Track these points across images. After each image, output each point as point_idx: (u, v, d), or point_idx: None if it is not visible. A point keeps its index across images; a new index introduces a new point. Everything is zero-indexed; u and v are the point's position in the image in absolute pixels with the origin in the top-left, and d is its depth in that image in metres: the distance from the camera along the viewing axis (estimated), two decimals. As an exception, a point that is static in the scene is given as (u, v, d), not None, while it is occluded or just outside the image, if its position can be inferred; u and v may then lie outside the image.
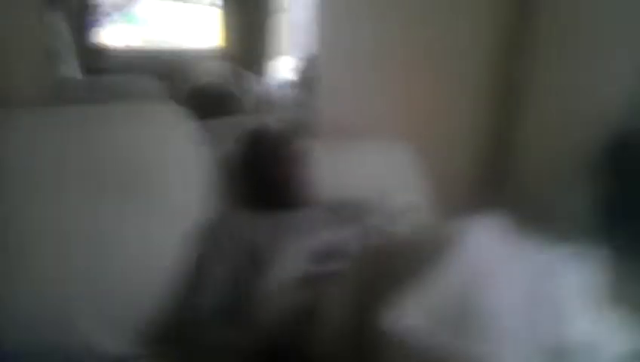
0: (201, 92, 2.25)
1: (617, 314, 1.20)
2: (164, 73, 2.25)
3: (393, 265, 1.19)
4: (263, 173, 1.72)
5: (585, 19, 2.00)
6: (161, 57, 2.46)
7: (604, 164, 1.89)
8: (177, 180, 1.67)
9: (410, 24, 2.14)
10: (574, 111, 2.02)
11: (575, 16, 2.04)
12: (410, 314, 1.07)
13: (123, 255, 1.55)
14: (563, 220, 1.78)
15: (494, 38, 2.23)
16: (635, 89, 1.90)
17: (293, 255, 1.52)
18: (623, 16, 1.91)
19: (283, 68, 2.65)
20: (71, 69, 2.16)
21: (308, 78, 2.37)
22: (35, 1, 1.81)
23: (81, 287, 1.48)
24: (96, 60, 2.28)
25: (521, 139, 2.25)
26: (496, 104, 2.29)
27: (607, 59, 1.94)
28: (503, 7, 2.21)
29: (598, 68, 1.97)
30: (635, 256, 1.61)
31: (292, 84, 2.49)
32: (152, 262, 1.57)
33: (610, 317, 1.19)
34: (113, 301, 1.51)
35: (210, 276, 1.54)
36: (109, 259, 1.53)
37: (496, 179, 2.25)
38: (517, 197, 2.06)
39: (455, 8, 2.15)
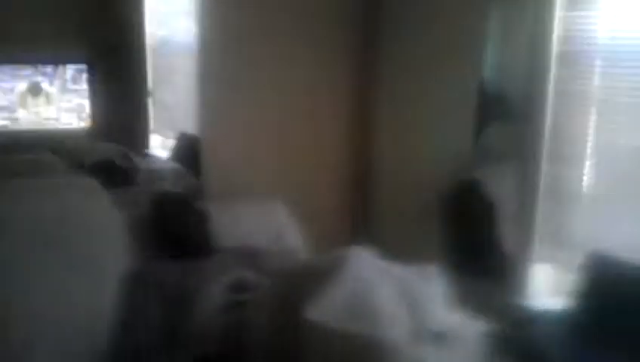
0: (100, 167, 2.54)
1: (463, 311, 1.74)
2: (57, 151, 2.52)
3: (303, 279, 1.64)
4: (171, 228, 2.08)
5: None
6: (43, 137, 2.69)
7: (443, 205, 2.50)
8: (101, 239, 1.96)
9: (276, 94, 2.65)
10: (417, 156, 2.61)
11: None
12: (324, 310, 1.52)
13: (67, 299, 1.81)
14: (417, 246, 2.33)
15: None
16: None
17: (211, 289, 1.89)
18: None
19: (154, 144, 2.99)
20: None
21: (185, 152, 2.77)
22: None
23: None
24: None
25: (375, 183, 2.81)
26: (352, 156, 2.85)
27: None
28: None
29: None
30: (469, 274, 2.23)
31: (171, 157, 2.86)
32: (80, 311, 1.83)
33: (459, 312, 1.72)
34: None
35: (143, 312, 1.86)
36: (58, 303, 1.79)
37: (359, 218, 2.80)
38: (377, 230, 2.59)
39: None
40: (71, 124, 2.82)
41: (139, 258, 2.03)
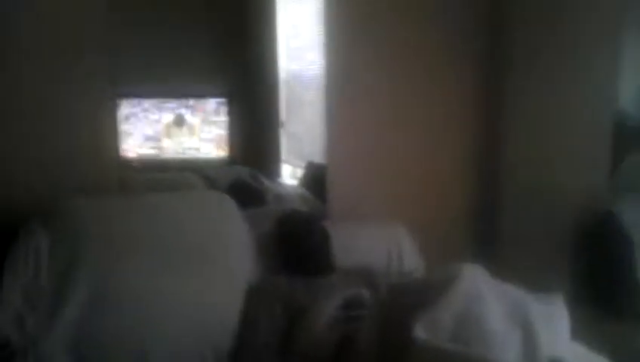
0: (235, 187, 2.73)
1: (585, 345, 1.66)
2: (196, 172, 2.74)
3: (413, 295, 1.64)
4: (293, 247, 2.17)
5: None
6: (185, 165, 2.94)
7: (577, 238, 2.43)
8: (234, 251, 2.12)
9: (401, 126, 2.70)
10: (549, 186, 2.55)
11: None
12: (433, 328, 1.51)
13: (194, 308, 1.96)
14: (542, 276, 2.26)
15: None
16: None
17: (328, 304, 1.95)
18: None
19: (285, 173, 3.14)
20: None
21: (312, 180, 2.89)
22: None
23: (156, 337, 1.88)
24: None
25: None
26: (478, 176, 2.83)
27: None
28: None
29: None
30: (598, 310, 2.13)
31: (299, 185, 3.00)
32: (215, 312, 1.98)
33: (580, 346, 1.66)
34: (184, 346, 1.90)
35: (260, 322, 1.96)
36: (183, 312, 1.94)
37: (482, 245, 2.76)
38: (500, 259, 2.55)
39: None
40: (210, 153, 3.02)
41: (264, 272, 2.16)
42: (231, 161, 3.02)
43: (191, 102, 2.99)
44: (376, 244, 2.38)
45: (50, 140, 2.22)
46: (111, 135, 2.33)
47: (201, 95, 2.98)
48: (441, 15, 2.66)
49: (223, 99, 3.01)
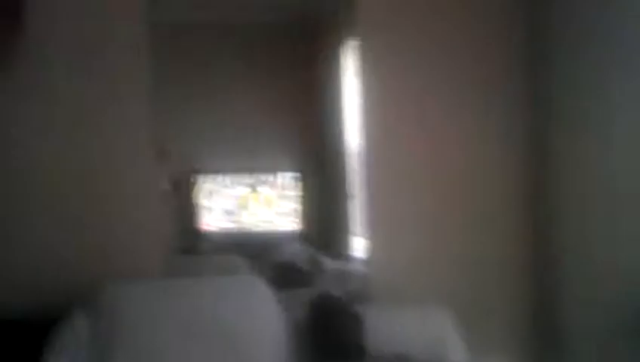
0: (280, 269, 2.78)
1: None
2: (252, 253, 2.80)
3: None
4: (326, 332, 2.15)
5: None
6: (249, 239, 3.02)
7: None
8: (260, 340, 2.14)
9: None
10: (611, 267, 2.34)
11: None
12: None
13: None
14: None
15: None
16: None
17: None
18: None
19: (355, 247, 3.12)
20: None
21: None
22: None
23: None
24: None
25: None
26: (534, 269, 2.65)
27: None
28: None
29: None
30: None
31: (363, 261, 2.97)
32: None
33: None
34: None
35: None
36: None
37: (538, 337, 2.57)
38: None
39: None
40: (285, 227, 3.08)
41: (298, 358, 2.15)
42: (303, 234, 3.04)
43: (266, 176, 3.07)
44: (418, 330, 2.29)
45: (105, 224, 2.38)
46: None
47: (276, 170, 3.05)
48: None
49: (296, 174, 3.06)
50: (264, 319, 2.19)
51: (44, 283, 2.31)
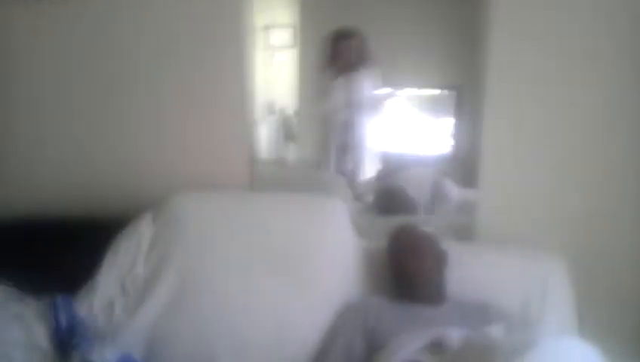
0: (384, 192, 2.54)
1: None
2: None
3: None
4: (400, 266, 1.89)
5: None
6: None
7: None
8: (328, 266, 1.96)
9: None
10: None
11: None
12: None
13: (275, 323, 1.86)
14: None
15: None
16: None
17: (406, 345, 1.65)
18: None
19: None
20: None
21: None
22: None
23: (228, 346, 1.83)
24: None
25: None
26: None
27: None
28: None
29: None
30: None
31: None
32: (294, 330, 1.86)
33: None
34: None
35: (333, 350, 1.77)
36: (263, 324, 1.86)
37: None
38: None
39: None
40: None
41: (370, 291, 1.95)
42: (453, 157, 2.77)
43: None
44: (516, 278, 1.93)
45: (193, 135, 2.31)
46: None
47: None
48: None
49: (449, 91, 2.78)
50: (335, 245, 1.99)
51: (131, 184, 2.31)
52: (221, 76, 2.28)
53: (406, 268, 1.87)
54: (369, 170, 2.78)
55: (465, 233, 2.18)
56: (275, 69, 3.03)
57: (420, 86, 2.82)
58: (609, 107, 2.12)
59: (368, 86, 2.71)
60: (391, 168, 2.74)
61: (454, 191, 2.59)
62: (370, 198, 2.61)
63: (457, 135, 2.74)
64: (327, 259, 1.96)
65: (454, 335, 1.60)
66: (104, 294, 1.89)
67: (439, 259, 1.89)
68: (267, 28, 3.04)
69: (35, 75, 2.33)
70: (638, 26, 2.07)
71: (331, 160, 2.72)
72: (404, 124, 2.85)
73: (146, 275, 1.93)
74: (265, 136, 3.05)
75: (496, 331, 1.67)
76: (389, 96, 2.78)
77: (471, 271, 1.92)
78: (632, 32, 2.07)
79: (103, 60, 2.31)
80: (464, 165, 2.57)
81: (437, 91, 2.80)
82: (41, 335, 1.68)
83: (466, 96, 2.67)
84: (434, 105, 2.83)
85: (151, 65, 2.30)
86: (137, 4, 2.28)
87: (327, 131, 2.79)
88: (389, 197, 2.56)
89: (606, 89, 2.11)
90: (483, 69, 2.15)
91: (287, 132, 3.01)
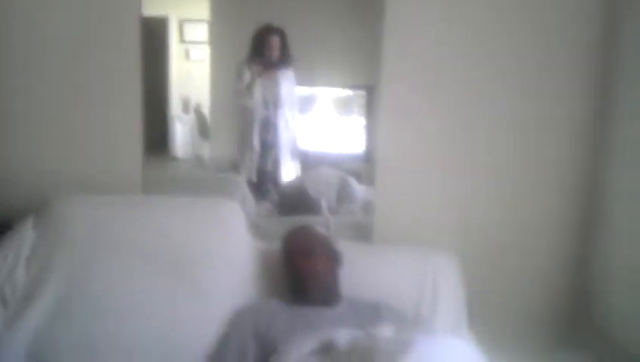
0: (286, 193, 2.51)
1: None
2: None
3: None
4: (293, 267, 1.86)
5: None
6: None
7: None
8: (222, 268, 1.91)
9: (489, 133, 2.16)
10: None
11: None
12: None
13: (166, 325, 1.80)
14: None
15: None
16: None
17: (297, 348, 1.62)
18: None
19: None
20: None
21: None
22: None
23: (116, 351, 1.76)
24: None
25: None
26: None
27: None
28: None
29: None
30: None
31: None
32: (186, 332, 1.80)
33: None
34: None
35: (225, 353, 1.73)
36: (153, 327, 1.79)
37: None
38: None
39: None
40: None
41: (266, 292, 1.91)
42: (365, 156, 2.76)
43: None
44: (408, 274, 1.93)
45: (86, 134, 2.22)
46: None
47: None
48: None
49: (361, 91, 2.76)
50: (230, 247, 1.94)
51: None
52: (113, 71, 2.20)
53: (298, 270, 1.84)
54: (289, 170, 2.74)
55: (365, 233, 2.15)
56: (190, 64, 2.96)
57: (334, 85, 2.80)
58: (501, 110, 2.17)
59: (289, 84, 2.67)
60: (307, 169, 2.72)
61: (359, 191, 2.58)
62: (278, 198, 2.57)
63: (368, 135, 2.73)
64: (221, 261, 1.91)
65: (342, 337, 1.58)
66: (-19, 304, 1.80)
67: (332, 260, 1.87)
68: (182, 22, 2.96)
69: None
70: (532, 27, 2.10)
71: (250, 159, 2.67)
72: (321, 124, 2.83)
73: (26, 283, 1.84)
74: (180, 133, 2.98)
75: (386, 330, 1.64)
76: (308, 94, 2.75)
77: (366, 271, 1.91)
78: (527, 32, 2.12)
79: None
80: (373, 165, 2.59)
81: (350, 91, 2.78)
82: None
83: (375, 97, 2.66)
84: (348, 105, 2.82)
85: (37, 57, 2.19)
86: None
87: (246, 130, 2.74)
88: (291, 197, 2.52)
89: (499, 94, 2.16)
90: (382, 70, 2.15)
91: (202, 129, 2.94)
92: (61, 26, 2.17)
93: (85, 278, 1.84)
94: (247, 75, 2.63)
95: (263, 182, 2.65)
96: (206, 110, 2.91)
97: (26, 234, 1.90)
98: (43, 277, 1.83)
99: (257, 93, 2.64)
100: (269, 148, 2.65)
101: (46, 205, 1.96)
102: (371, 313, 1.77)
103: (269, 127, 2.65)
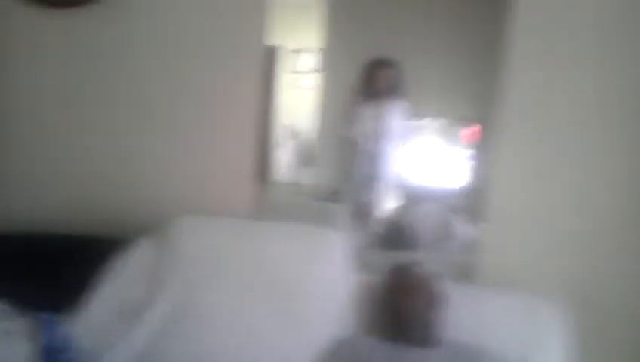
0: (391, 228, 2.50)
1: None
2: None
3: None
4: (395, 305, 1.84)
5: None
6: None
7: None
8: (323, 299, 1.93)
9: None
10: None
11: None
12: None
13: (264, 354, 1.83)
14: None
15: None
16: None
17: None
18: None
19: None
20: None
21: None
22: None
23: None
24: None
25: None
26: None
27: None
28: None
29: None
30: None
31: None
32: (283, 359, 1.82)
33: None
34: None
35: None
36: (251, 355, 1.83)
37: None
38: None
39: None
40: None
41: (362, 328, 1.90)
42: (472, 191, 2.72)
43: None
44: (515, 323, 1.86)
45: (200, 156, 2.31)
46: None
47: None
48: None
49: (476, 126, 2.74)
50: (330, 278, 1.95)
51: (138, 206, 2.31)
52: (232, 98, 2.27)
53: (400, 308, 1.83)
54: (390, 202, 2.74)
55: (468, 273, 2.10)
56: (299, 92, 3.02)
57: (444, 118, 2.78)
58: (626, 150, 2.06)
59: (398, 116, 2.68)
60: (410, 203, 2.70)
61: (461, 229, 2.53)
62: (379, 232, 2.57)
63: (477, 169, 2.69)
64: (322, 292, 1.93)
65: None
66: (97, 316, 1.88)
67: (435, 300, 1.84)
68: (296, 51, 3.04)
69: (38, 87, 2.31)
70: None
71: (353, 189, 2.69)
72: (428, 156, 2.81)
73: (140, 300, 1.92)
74: (284, 159, 3.04)
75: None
76: (416, 127, 2.75)
77: (469, 314, 1.86)
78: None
79: (108, 75, 2.30)
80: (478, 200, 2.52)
81: (461, 124, 2.76)
82: (27, 353, 1.68)
83: (488, 131, 2.61)
84: (453, 137, 2.79)
85: (161, 83, 2.30)
86: (148, 18, 2.28)
87: (351, 159, 2.76)
88: (395, 232, 2.52)
89: (625, 136, 2.06)
90: (500, 105, 2.10)
91: (305, 157, 2.99)
92: (187, 52, 2.28)
93: (192, 299, 1.90)
94: (355, 107, 2.66)
95: (364, 214, 2.65)
96: (310, 138, 2.96)
97: (143, 252, 1.99)
98: (154, 295, 1.91)
99: (364, 124, 2.66)
100: (372, 179, 2.66)
101: (163, 225, 2.04)
102: (472, 358, 1.72)
103: (373, 158, 2.67)
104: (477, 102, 2.66)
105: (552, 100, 2.08)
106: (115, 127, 2.33)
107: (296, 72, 3.05)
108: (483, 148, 2.67)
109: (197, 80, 2.27)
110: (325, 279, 1.95)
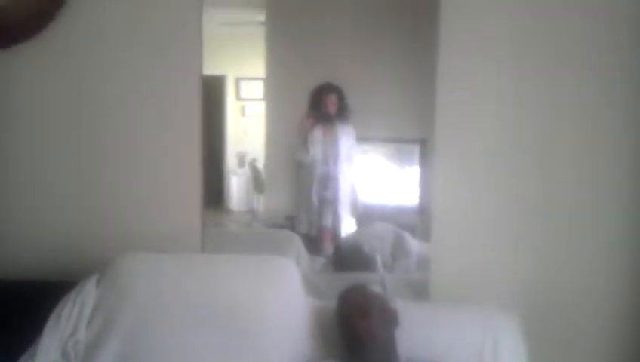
0: (341, 249, 2.51)
1: None
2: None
3: None
4: (348, 327, 1.84)
5: None
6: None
7: None
8: (277, 327, 1.91)
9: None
10: None
11: None
12: None
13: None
14: None
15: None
16: None
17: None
18: None
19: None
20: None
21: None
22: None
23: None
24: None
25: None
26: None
27: None
28: None
29: None
30: None
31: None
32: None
33: None
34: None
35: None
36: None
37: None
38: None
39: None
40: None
41: (320, 353, 1.89)
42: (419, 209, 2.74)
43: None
44: (468, 334, 1.89)
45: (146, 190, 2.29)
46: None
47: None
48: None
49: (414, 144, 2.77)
50: (284, 306, 1.95)
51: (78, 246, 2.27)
52: (173, 129, 2.28)
53: (354, 330, 1.82)
54: (348, 225, 2.75)
55: (422, 290, 2.13)
56: (248, 120, 3.03)
57: (389, 139, 2.81)
58: (565, 161, 2.14)
59: (348, 139, 2.70)
60: (364, 223, 2.71)
61: (414, 246, 2.55)
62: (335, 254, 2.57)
63: (422, 187, 2.71)
64: (276, 320, 1.92)
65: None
66: (44, 360, 1.84)
67: (388, 320, 1.85)
68: (238, 80, 3.05)
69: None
70: (595, 75, 2.10)
71: (308, 214, 2.68)
72: (375, 176, 2.83)
73: (88, 340, 1.87)
74: (235, 187, 3.03)
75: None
76: (365, 150, 2.77)
77: (424, 330, 1.88)
78: (590, 80, 2.12)
79: (44, 110, 2.28)
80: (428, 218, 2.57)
81: (404, 144, 2.78)
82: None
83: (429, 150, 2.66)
84: (402, 158, 2.82)
85: (102, 118, 2.28)
86: (86, 56, 2.27)
87: (304, 185, 2.76)
88: (346, 253, 2.52)
89: (562, 144, 2.14)
90: (436, 124, 2.17)
91: (257, 184, 2.99)
92: (123, 84, 2.27)
93: (144, 337, 1.87)
94: (306, 131, 2.67)
95: (321, 238, 2.65)
96: (261, 165, 2.96)
97: (90, 292, 1.95)
98: (105, 335, 1.87)
99: (317, 148, 2.67)
100: (328, 203, 2.67)
101: (109, 263, 2.00)
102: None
103: (328, 182, 2.68)
104: (420, 122, 2.70)
105: (481, 116, 2.17)
106: (51, 172, 2.30)
107: (244, 100, 3.06)
108: (426, 167, 2.71)
109: (136, 114, 2.27)
110: (279, 307, 1.94)
